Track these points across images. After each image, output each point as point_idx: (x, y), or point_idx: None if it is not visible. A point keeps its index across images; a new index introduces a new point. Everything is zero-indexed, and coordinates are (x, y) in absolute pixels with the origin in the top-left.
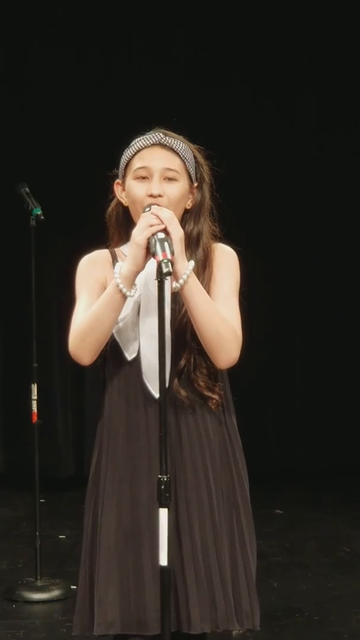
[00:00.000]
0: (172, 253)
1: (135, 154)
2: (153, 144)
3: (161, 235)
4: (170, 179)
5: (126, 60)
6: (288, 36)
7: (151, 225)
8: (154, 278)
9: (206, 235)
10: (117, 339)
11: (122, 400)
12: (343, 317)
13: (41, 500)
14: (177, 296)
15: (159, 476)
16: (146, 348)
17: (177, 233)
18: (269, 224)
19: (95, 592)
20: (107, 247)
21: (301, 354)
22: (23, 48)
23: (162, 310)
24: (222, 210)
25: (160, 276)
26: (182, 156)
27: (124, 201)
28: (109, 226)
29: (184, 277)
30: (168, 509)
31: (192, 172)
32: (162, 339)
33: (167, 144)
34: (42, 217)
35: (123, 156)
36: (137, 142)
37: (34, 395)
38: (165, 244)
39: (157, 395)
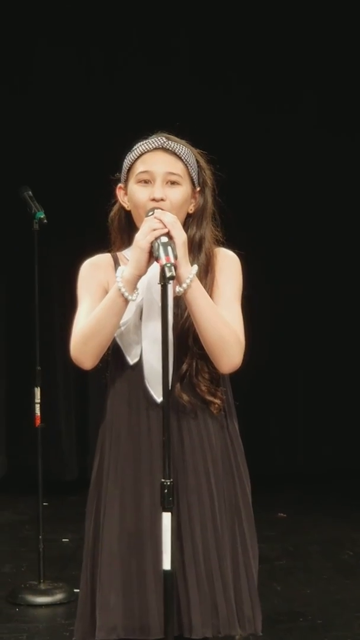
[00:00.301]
0: (176, 257)
1: (138, 158)
2: (155, 148)
3: (164, 239)
4: (172, 183)
5: (128, 65)
6: (289, 38)
7: (154, 230)
8: (156, 282)
9: (208, 240)
10: (119, 343)
11: (124, 404)
12: (347, 322)
13: (44, 504)
14: (179, 300)
15: (162, 480)
16: (148, 352)
17: (181, 237)
18: (272, 228)
19: (97, 597)
20: (109, 252)
21: (304, 358)
22: (25, 52)
23: (165, 315)
24: (225, 214)
25: (164, 280)
26: (184, 160)
27: (126, 205)
28: (111, 230)
29: (187, 281)
30: (171, 513)
31: (195, 176)
32: (165, 344)
33: (170, 148)
34: (45, 221)
35: (125, 160)
36: (140, 146)
37: (37, 399)
38: (169, 248)
39: (159, 399)
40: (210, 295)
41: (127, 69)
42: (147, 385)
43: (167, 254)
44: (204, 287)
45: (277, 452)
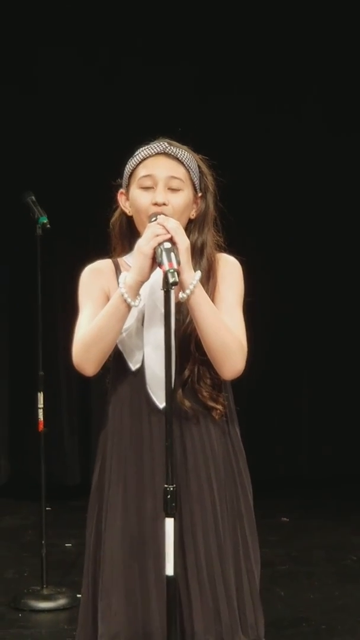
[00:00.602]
0: (179, 263)
1: (140, 162)
2: (158, 153)
3: (167, 245)
4: (174, 189)
5: (131, 69)
6: (291, 44)
7: (157, 235)
8: (158, 288)
9: (210, 246)
10: (121, 349)
11: (126, 410)
12: (350, 325)
13: (47, 509)
14: (181, 306)
15: (165, 486)
16: (151, 358)
17: (184, 243)
18: (273, 233)
19: (99, 603)
20: (109, 257)
21: (307, 362)
22: (29, 56)
23: (169, 321)
24: (227, 220)
25: (167, 286)
26: (186, 165)
27: (128, 211)
28: (112, 236)
29: (191, 287)
30: (174, 519)
31: (197, 181)
32: (168, 350)
33: (172, 153)
34: (48, 226)
35: (127, 165)
36: (142, 151)
37: (40, 404)
38: (172, 253)
39: (161, 405)
40: (212, 301)
41: (130, 73)
42: (149, 390)
43: (170, 260)
44: (207, 293)
45: (279, 457)
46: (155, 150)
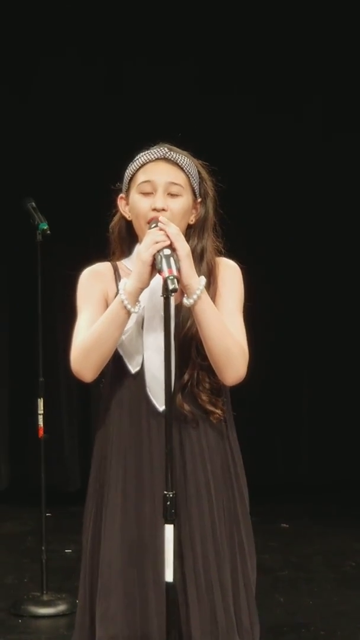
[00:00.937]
0: (178, 269)
1: (140, 168)
2: (158, 159)
3: (167, 251)
4: (174, 194)
5: (131, 73)
6: (292, 48)
7: (157, 242)
8: (158, 292)
9: (210, 251)
10: (121, 352)
11: (125, 413)
12: (351, 331)
13: (47, 515)
14: (180, 310)
15: (165, 492)
16: (150, 361)
17: (184, 249)
18: (273, 233)
19: (97, 607)
20: (108, 260)
21: (307, 366)
22: (28, 61)
23: (169, 327)
24: (227, 225)
25: (166, 293)
26: (186, 171)
27: (127, 215)
28: (111, 240)
29: (198, 292)
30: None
31: (196, 187)
32: (167, 356)
33: (172, 159)
34: (49, 232)
35: (127, 170)
36: (142, 157)
37: (40, 410)
38: (171, 260)
39: (160, 408)
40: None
41: (130, 77)
42: (149, 393)
43: (169, 267)
44: None
45: (279, 463)
46: (155, 155)
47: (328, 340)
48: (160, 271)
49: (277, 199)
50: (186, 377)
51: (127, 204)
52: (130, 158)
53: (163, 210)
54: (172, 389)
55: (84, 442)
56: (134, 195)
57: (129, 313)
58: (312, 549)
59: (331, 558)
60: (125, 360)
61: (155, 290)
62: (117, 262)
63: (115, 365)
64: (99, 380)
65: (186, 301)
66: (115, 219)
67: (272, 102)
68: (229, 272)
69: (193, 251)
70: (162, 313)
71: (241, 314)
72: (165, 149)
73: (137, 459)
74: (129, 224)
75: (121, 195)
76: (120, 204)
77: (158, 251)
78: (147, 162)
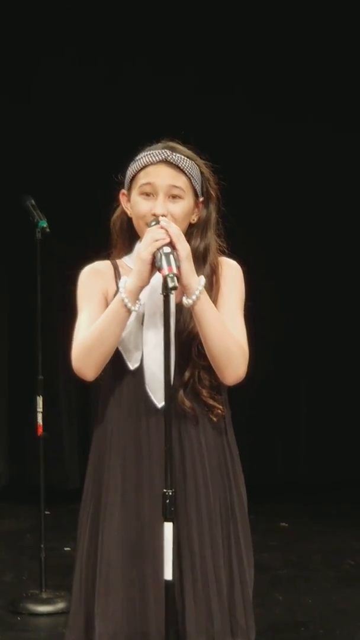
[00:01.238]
0: (178, 267)
1: (141, 169)
2: (159, 161)
3: (167, 249)
4: (175, 197)
5: (131, 73)
6: (295, 48)
7: (156, 240)
8: (159, 290)
9: (213, 251)
10: (120, 348)
11: (124, 410)
12: (351, 331)
13: (46, 513)
14: (182, 308)
15: (164, 490)
16: (150, 358)
17: (185, 250)
18: (273, 233)
19: (96, 604)
20: (108, 257)
21: (307, 366)
22: (27, 59)
23: (168, 325)
24: (228, 222)
25: (166, 291)
26: (187, 173)
27: (129, 212)
28: (112, 233)
29: (197, 292)
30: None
31: (198, 188)
32: (167, 353)
33: (174, 162)
34: (48, 230)
35: (129, 169)
36: (144, 158)
37: (39, 408)
38: (171, 257)
39: (159, 405)
40: (214, 305)
41: (129, 78)
42: (148, 390)
43: (169, 264)
44: (209, 297)
45: (279, 462)
46: (157, 158)
47: (328, 339)
48: (160, 269)
49: (277, 199)
50: (187, 375)
51: (129, 200)
52: (129, 158)
53: (163, 216)
54: (172, 386)
55: (83, 440)
56: (135, 197)
57: (129, 311)
58: (312, 547)
59: (330, 557)
60: (125, 356)
61: (155, 288)
62: (118, 260)
63: (114, 362)
64: (100, 379)
65: (186, 301)
66: (117, 212)
67: (272, 102)
68: (231, 271)
69: (196, 250)
70: (162, 310)
71: (242, 314)
72: (167, 151)
73: (135, 456)
74: (130, 219)
75: (123, 190)
76: (123, 199)
77: (158, 249)
78: (149, 164)
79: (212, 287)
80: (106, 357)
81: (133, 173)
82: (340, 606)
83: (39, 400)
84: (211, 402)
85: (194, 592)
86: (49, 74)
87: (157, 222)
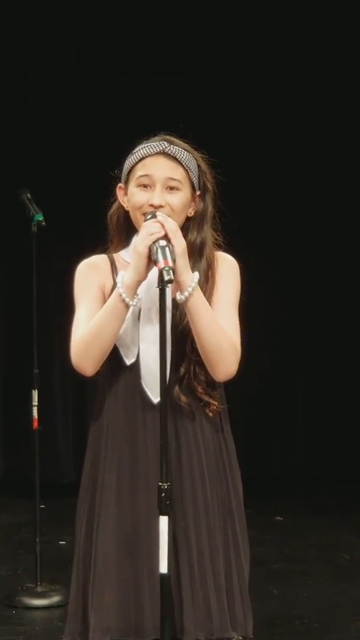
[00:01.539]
0: (174, 260)
1: (139, 161)
2: (157, 153)
3: (162, 242)
4: (172, 188)
5: (129, 71)
6: (293, 45)
7: (152, 234)
8: (155, 286)
9: (209, 245)
10: (117, 343)
11: (120, 405)
12: (346, 328)
13: (41, 506)
14: (178, 304)
15: (160, 484)
16: (146, 353)
17: (180, 245)
18: (273, 233)
19: (90, 598)
20: (105, 251)
21: (303, 362)
22: (25, 56)
23: (164, 318)
24: (226, 219)
25: (162, 284)
26: (185, 165)
27: (126, 206)
28: (109, 227)
29: (190, 289)
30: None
31: (195, 181)
32: (163, 347)
33: (171, 154)
34: (44, 223)
35: (127, 162)
36: (141, 150)
37: (35, 401)
38: (167, 250)
39: (155, 400)
40: (209, 300)
41: (127, 76)
42: (144, 385)
43: (165, 257)
44: (204, 292)
45: (275, 456)
46: (154, 149)
47: (324, 336)
48: (156, 262)
49: (276, 199)
50: (182, 370)
51: (126, 194)
52: (126, 151)
53: (160, 206)
54: (168, 381)
55: (79, 434)
56: (133, 189)
57: (127, 306)
58: (307, 541)
59: (326, 551)
60: (121, 351)
61: (152, 283)
62: (114, 254)
63: (111, 357)
64: (97, 374)
65: (179, 297)
66: (114, 207)
67: (272, 102)
68: (227, 266)
69: (192, 244)
70: (158, 305)
71: (236, 310)
72: (165, 143)
73: (132, 451)
74: (127, 213)
75: (120, 185)
76: (119, 193)
77: (153, 242)
78: (146, 156)
79: (208, 281)
80: (105, 352)
81: (130, 165)
82: (335, 600)
83: (35, 394)
84: (206, 398)
85: (191, 587)
86: (47, 74)
87: (154, 216)
